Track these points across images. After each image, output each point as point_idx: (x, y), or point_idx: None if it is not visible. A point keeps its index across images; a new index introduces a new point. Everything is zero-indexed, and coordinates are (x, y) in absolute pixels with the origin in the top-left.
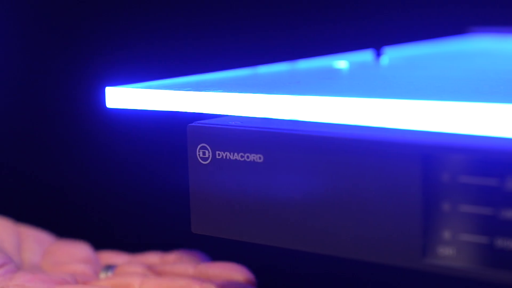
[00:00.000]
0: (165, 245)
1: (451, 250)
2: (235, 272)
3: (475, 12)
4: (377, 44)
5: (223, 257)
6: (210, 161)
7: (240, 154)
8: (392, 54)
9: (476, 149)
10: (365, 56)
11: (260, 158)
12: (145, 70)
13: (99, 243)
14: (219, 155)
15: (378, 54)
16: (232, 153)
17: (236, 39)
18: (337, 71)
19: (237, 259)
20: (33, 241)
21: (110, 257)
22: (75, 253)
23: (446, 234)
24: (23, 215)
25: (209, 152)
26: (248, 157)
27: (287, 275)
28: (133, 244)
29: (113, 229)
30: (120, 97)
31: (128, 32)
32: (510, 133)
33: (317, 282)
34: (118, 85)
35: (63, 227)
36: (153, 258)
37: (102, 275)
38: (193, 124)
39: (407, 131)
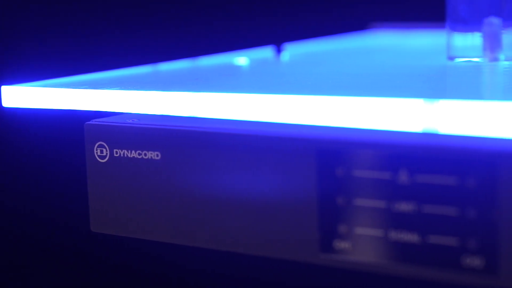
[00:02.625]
0: (64, 245)
1: (347, 244)
2: None
3: (376, 9)
4: (277, 40)
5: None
6: (108, 159)
7: (138, 151)
8: (293, 51)
9: (369, 143)
10: (266, 52)
11: (157, 155)
12: (42, 68)
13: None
14: (116, 153)
15: (279, 51)
16: (129, 151)
17: (136, 36)
18: (237, 68)
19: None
20: None
21: None
22: None
23: (342, 228)
24: None
25: (106, 150)
26: (145, 154)
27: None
28: (32, 243)
29: (11, 229)
30: (17, 96)
31: (24, 31)
32: (401, 126)
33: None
34: (14, 84)
35: None
36: None
37: None
38: (90, 122)
39: (302, 126)
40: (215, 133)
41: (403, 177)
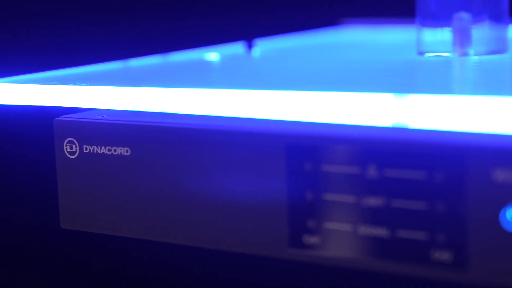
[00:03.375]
0: (34, 241)
1: (316, 239)
2: None
3: (347, 4)
4: (248, 36)
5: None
6: (78, 155)
7: (107, 147)
8: (264, 46)
9: (338, 138)
10: (237, 48)
11: (127, 151)
12: (11, 64)
13: None
14: (86, 149)
15: (250, 46)
16: (99, 147)
17: (107, 32)
18: (208, 64)
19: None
20: None
21: None
22: None
23: (311, 223)
24: None
25: (76, 146)
26: (115, 150)
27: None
28: (0, 240)
29: None
30: None
31: None
32: (371, 121)
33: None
34: None
35: None
36: None
37: None
38: (59, 118)
39: (272, 121)
40: (185, 129)
41: (372, 171)
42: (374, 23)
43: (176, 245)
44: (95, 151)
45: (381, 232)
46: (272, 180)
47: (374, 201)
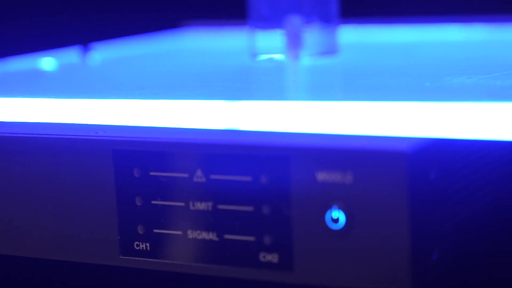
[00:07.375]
0: None
1: (147, 245)
2: None
3: (188, 7)
4: (84, 40)
5: None
6: None
7: None
8: (102, 51)
9: (165, 143)
10: (73, 53)
11: None
12: None
13: None
14: None
15: (87, 51)
16: None
17: None
18: (42, 71)
19: None
20: None
21: None
22: None
23: (142, 229)
24: None
25: None
26: None
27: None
28: None
29: None
30: None
31: None
32: (201, 127)
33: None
34: None
35: None
36: None
37: None
38: None
39: (99, 127)
40: (12, 137)
41: (199, 176)
42: (215, 25)
43: (7, 256)
44: None
45: (210, 236)
46: (102, 187)
47: (202, 206)
